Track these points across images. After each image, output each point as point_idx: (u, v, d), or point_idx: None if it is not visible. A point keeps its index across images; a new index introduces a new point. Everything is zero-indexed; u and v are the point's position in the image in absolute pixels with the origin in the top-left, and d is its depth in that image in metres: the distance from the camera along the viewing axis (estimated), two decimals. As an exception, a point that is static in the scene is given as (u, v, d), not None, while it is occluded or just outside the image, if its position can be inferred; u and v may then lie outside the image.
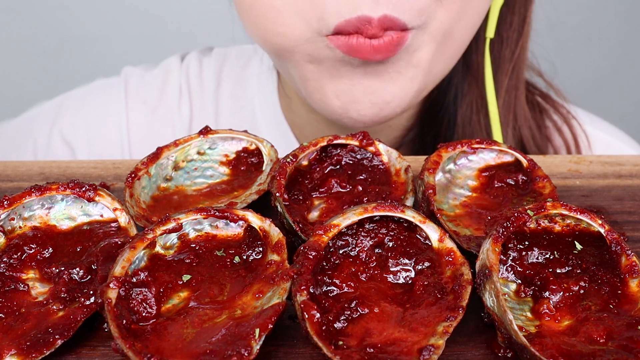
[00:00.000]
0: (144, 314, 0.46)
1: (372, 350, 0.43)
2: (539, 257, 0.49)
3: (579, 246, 0.49)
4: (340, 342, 0.44)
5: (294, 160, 0.56)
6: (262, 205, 0.56)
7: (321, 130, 0.85)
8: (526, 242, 0.49)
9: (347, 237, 0.50)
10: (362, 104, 0.68)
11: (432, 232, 0.49)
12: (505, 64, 0.83)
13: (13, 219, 0.53)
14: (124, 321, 0.44)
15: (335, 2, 0.62)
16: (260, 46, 0.74)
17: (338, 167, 0.59)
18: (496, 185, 0.57)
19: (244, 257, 0.50)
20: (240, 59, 0.98)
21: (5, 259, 0.50)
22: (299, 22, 0.65)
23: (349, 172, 0.58)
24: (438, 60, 0.69)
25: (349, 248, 0.50)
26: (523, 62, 0.85)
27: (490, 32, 0.79)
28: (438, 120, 0.86)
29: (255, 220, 0.50)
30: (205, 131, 0.61)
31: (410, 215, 0.50)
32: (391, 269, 0.49)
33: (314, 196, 0.57)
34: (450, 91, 0.85)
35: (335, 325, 0.45)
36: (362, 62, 0.65)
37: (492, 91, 0.81)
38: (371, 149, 0.58)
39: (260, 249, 0.49)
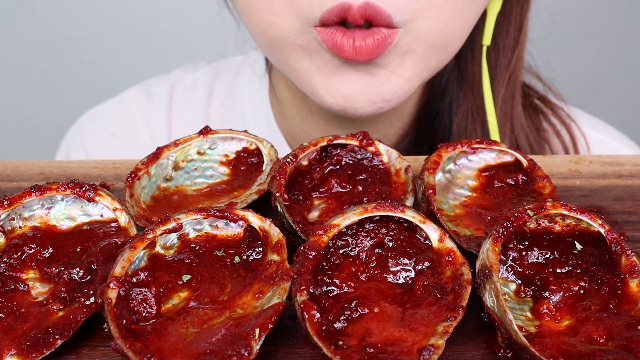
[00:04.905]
0: (144, 314, 0.46)
1: (372, 350, 0.43)
2: (539, 257, 0.49)
3: (579, 246, 0.49)
4: (340, 342, 0.44)
5: (294, 160, 0.56)
6: (262, 205, 0.56)
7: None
8: (526, 242, 0.49)
9: (347, 237, 0.50)
10: (358, 101, 0.67)
11: (432, 232, 0.49)
12: (502, 73, 0.82)
13: (13, 219, 0.53)
14: (124, 321, 0.44)
15: None
16: (256, 40, 0.74)
17: (338, 167, 0.58)
18: (496, 185, 0.57)
19: (244, 257, 0.49)
20: (230, 70, 0.98)
21: (5, 259, 0.50)
22: (291, 12, 0.65)
23: (349, 172, 0.58)
24: (434, 59, 0.69)
25: (349, 248, 0.50)
26: (519, 71, 0.84)
27: (487, 40, 0.79)
28: (433, 128, 0.86)
29: (255, 220, 0.50)
30: (205, 131, 0.61)
31: (410, 215, 0.50)
32: (391, 269, 0.49)
33: (314, 196, 0.57)
34: (445, 100, 0.84)
35: (335, 325, 0.45)
36: (349, 62, 0.65)
37: (490, 98, 0.80)
38: (371, 149, 0.58)
39: (260, 249, 0.49)
